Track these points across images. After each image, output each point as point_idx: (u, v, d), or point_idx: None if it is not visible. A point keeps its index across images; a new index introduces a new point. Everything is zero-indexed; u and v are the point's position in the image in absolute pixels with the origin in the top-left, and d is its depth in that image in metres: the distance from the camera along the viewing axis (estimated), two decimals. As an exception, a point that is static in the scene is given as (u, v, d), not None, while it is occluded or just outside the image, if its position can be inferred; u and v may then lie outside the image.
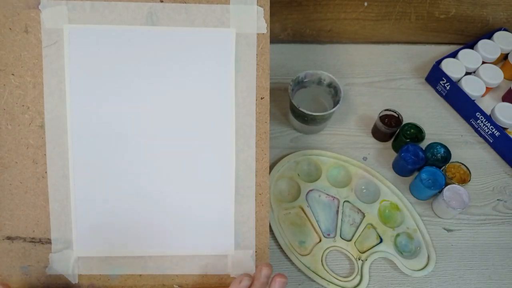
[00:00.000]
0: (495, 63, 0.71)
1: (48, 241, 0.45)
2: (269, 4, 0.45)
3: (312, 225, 0.57)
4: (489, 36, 0.73)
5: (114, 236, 0.46)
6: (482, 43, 0.72)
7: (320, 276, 0.53)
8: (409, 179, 0.62)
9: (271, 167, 0.61)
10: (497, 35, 0.73)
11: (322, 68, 0.65)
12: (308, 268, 0.53)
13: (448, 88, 0.69)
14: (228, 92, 0.45)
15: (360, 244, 0.56)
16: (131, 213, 0.46)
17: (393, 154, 0.65)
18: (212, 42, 0.44)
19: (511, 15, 0.74)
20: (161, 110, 0.45)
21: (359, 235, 0.56)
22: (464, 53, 0.71)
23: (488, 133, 0.65)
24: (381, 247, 0.55)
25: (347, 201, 0.59)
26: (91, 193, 0.45)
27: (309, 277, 0.53)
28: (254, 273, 0.43)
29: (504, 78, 0.70)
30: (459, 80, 0.69)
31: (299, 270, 0.53)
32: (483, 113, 0.65)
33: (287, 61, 0.74)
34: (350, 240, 0.56)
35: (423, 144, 0.62)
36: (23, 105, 0.44)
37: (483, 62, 0.70)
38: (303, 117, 0.61)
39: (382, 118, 0.64)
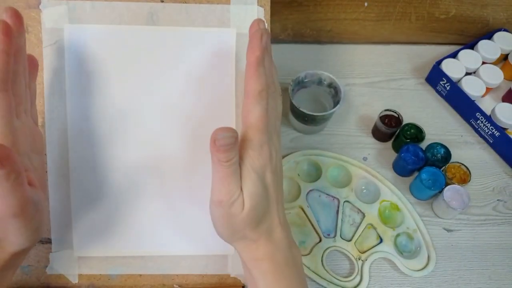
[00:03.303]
0: (495, 63, 0.71)
1: (48, 241, 0.45)
2: (269, 4, 0.45)
3: (312, 225, 0.57)
4: (489, 36, 0.73)
5: (114, 236, 0.46)
6: (482, 44, 0.72)
7: (320, 276, 0.53)
8: (409, 179, 0.62)
9: (271, 167, 0.61)
10: (497, 35, 0.73)
11: (322, 68, 0.65)
12: (308, 268, 0.53)
13: (448, 88, 0.69)
14: (229, 92, 0.45)
15: (360, 244, 0.56)
16: (131, 213, 0.46)
17: (393, 154, 0.64)
18: (213, 42, 0.44)
19: (511, 16, 0.74)
20: (162, 110, 0.45)
21: (359, 235, 0.56)
22: (464, 54, 0.71)
23: (488, 133, 0.66)
24: (381, 247, 0.55)
25: (347, 201, 0.59)
26: (91, 193, 0.45)
27: (309, 277, 0.53)
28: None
29: (504, 78, 0.69)
30: (459, 81, 0.69)
31: (299, 270, 0.53)
32: (483, 113, 0.65)
33: (287, 61, 0.74)
34: (350, 240, 0.56)
35: (423, 144, 0.62)
36: (23, 105, 0.44)
37: (483, 63, 0.70)
38: (303, 117, 0.61)
39: (382, 118, 0.64)
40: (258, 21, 0.37)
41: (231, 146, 0.33)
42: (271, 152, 0.37)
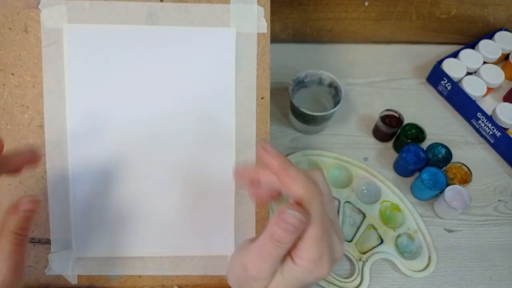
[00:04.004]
0: (496, 63, 0.71)
1: (48, 242, 0.45)
2: (269, 4, 0.44)
3: (313, 225, 0.56)
4: (490, 36, 0.73)
5: (113, 237, 0.45)
6: (483, 43, 0.71)
7: (320, 277, 0.53)
8: (410, 179, 0.62)
9: (272, 167, 0.60)
10: (498, 35, 0.73)
11: (322, 68, 0.65)
12: (309, 268, 0.53)
13: (449, 88, 0.69)
14: (228, 92, 0.45)
15: (361, 245, 0.56)
16: (131, 213, 0.45)
17: (394, 155, 0.64)
18: (212, 42, 0.44)
19: (512, 15, 0.74)
20: (161, 110, 0.45)
21: (360, 236, 0.56)
22: (465, 53, 0.71)
23: (489, 133, 0.65)
24: (382, 248, 0.55)
25: (348, 202, 0.59)
26: (90, 193, 0.45)
27: (310, 278, 0.53)
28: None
29: (505, 78, 0.69)
30: (460, 80, 0.69)
31: (300, 270, 0.53)
32: (484, 113, 0.65)
33: (287, 60, 0.74)
34: (351, 241, 0.56)
35: (424, 145, 0.62)
36: (22, 105, 0.43)
37: (484, 62, 0.70)
38: (303, 117, 0.61)
39: (383, 118, 0.64)
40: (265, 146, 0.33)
41: (294, 230, 0.28)
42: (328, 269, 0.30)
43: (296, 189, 0.30)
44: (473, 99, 0.67)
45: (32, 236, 0.45)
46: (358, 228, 0.57)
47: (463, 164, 0.60)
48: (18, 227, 0.34)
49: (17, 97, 0.43)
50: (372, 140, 0.66)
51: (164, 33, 0.44)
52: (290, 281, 0.30)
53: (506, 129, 0.64)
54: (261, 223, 0.47)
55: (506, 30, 0.74)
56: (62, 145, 0.44)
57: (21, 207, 0.34)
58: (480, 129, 0.67)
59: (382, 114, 0.64)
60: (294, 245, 0.30)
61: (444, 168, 0.60)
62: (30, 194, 0.36)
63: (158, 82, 0.44)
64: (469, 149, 0.66)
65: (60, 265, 0.45)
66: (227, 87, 0.45)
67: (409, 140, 0.62)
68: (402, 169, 0.62)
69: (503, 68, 0.71)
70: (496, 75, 0.69)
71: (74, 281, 0.46)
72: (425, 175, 0.58)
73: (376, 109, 0.67)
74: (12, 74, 0.43)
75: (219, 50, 0.44)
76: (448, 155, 0.62)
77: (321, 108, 0.66)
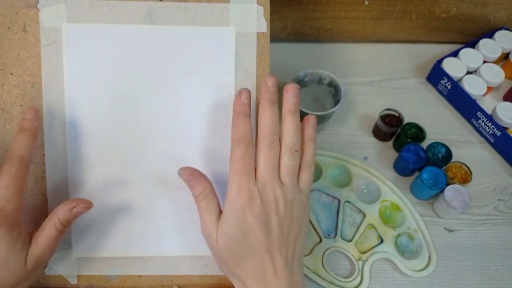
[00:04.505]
0: (496, 62, 0.71)
1: (47, 242, 0.45)
2: (269, 3, 0.44)
3: (313, 225, 0.56)
4: (490, 35, 0.73)
5: (113, 237, 0.45)
6: (483, 42, 0.71)
7: (320, 277, 0.53)
8: (410, 179, 0.62)
9: (271, 167, 0.60)
10: (498, 34, 0.73)
11: (322, 67, 0.65)
12: (309, 268, 0.53)
13: (449, 87, 0.69)
14: (228, 92, 0.45)
15: (360, 244, 0.56)
16: (130, 213, 0.45)
17: (394, 154, 0.64)
18: (212, 41, 0.44)
19: (512, 14, 0.73)
20: (161, 109, 0.45)
21: (360, 235, 0.56)
22: (465, 52, 0.71)
23: (489, 132, 0.65)
24: (381, 247, 0.55)
25: (348, 201, 0.59)
26: (90, 193, 0.45)
27: (310, 278, 0.53)
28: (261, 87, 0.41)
29: (505, 77, 0.69)
30: (460, 80, 0.69)
31: (300, 270, 0.53)
32: (484, 112, 0.65)
33: (287, 60, 0.74)
34: (350, 241, 0.56)
35: (424, 144, 0.62)
36: (21, 105, 0.43)
37: (484, 62, 0.70)
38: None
39: (383, 117, 0.64)
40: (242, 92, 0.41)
41: (191, 181, 0.40)
42: (252, 196, 0.38)
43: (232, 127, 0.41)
44: (473, 98, 0.67)
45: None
46: (358, 228, 0.57)
47: (463, 164, 0.60)
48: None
49: (16, 97, 0.43)
50: (372, 139, 0.66)
51: (164, 32, 0.43)
52: (227, 213, 0.39)
53: (506, 128, 0.64)
54: (261, 223, 0.47)
55: (506, 29, 0.74)
56: (61, 145, 0.44)
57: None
58: (480, 128, 0.67)
59: (382, 114, 0.64)
60: None
61: (444, 167, 0.60)
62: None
63: (157, 82, 0.44)
64: (469, 149, 0.66)
65: (60, 265, 0.45)
66: (226, 86, 0.45)
67: (409, 140, 0.62)
68: (402, 168, 0.62)
69: (503, 67, 0.71)
70: (496, 74, 0.69)
71: (73, 281, 0.46)
72: (425, 174, 0.58)
73: (376, 109, 0.67)
74: (11, 74, 0.43)
75: (219, 49, 0.44)
76: (448, 154, 0.62)
77: (321, 107, 0.66)
